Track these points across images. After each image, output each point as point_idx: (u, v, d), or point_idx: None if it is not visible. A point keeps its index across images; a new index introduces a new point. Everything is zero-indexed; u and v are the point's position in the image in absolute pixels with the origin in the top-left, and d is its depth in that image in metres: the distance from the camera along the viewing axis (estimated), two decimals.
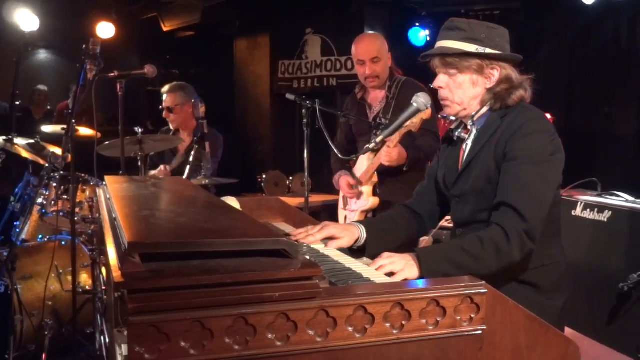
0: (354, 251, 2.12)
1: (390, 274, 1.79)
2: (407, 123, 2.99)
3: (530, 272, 2.03)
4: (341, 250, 2.11)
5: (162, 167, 4.30)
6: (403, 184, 3.40)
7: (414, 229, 2.33)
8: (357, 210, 3.54)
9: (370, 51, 3.47)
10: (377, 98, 3.58)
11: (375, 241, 2.12)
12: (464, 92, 2.08)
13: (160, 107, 4.47)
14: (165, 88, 4.47)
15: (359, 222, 2.21)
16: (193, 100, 4.28)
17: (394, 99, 3.49)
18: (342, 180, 3.57)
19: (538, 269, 2.04)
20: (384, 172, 3.42)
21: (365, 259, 2.01)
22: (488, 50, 2.02)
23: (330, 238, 2.06)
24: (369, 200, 3.47)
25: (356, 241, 2.11)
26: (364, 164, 3.54)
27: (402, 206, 2.37)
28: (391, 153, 3.22)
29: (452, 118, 2.21)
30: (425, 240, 5.10)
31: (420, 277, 1.81)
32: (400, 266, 1.80)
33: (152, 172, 4.24)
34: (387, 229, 2.23)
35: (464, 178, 2.12)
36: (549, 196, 1.98)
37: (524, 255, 1.93)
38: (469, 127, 2.15)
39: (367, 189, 3.49)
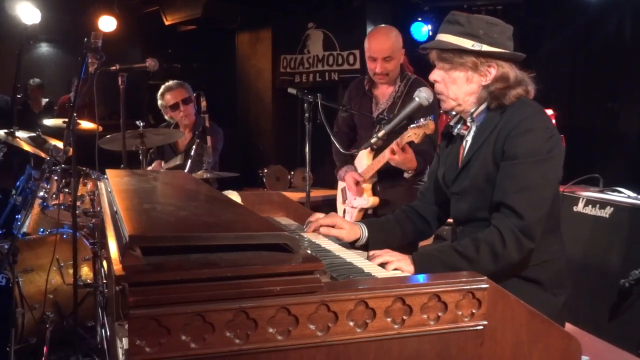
0: (356, 249, 2.16)
1: (385, 264, 1.84)
2: (410, 134, 2.95)
3: (530, 269, 2.03)
4: (343, 245, 2.12)
5: (156, 162, 4.29)
6: (403, 183, 3.38)
7: (417, 231, 2.35)
8: (356, 207, 3.53)
9: (383, 49, 3.35)
10: (384, 94, 3.51)
11: (376, 241, 2.16)
12: (458, 87, 2.05)
13: (165, 104, 4.39)
14: (170, 85, 4.35)
15: (363, 221, 2.24)
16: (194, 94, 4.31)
17: (400, 98, 3.42)
18: (349, 176, 3.52)
19: (539, 265, 2.03)
20: (384, 171, 3.39)
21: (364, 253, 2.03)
22: (485, 47, 1.98)
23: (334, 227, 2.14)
24: (369, 199, 3.45)
25: (357, 240, 2.16)
26: (363, 160, 3.51)
27: (407, 207, 2.39)
28: (400, 154, 3.08)
29: (453, 113, 2.20)
30: None
31: None
32: (396, 258, 1.86)
33: (149, 168, 4.24)
34: (389, 230, 2.26)
35: (464, 175, 2.10)
36: (549, 195, 1.97)
37: (524, 254, 1.93)
38: (468, 124, 2.13)
39: (367, 187, 3.47)
